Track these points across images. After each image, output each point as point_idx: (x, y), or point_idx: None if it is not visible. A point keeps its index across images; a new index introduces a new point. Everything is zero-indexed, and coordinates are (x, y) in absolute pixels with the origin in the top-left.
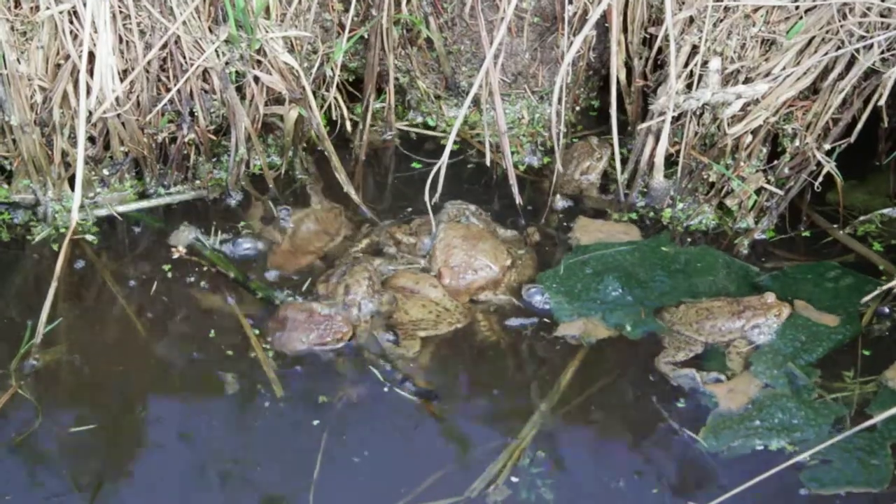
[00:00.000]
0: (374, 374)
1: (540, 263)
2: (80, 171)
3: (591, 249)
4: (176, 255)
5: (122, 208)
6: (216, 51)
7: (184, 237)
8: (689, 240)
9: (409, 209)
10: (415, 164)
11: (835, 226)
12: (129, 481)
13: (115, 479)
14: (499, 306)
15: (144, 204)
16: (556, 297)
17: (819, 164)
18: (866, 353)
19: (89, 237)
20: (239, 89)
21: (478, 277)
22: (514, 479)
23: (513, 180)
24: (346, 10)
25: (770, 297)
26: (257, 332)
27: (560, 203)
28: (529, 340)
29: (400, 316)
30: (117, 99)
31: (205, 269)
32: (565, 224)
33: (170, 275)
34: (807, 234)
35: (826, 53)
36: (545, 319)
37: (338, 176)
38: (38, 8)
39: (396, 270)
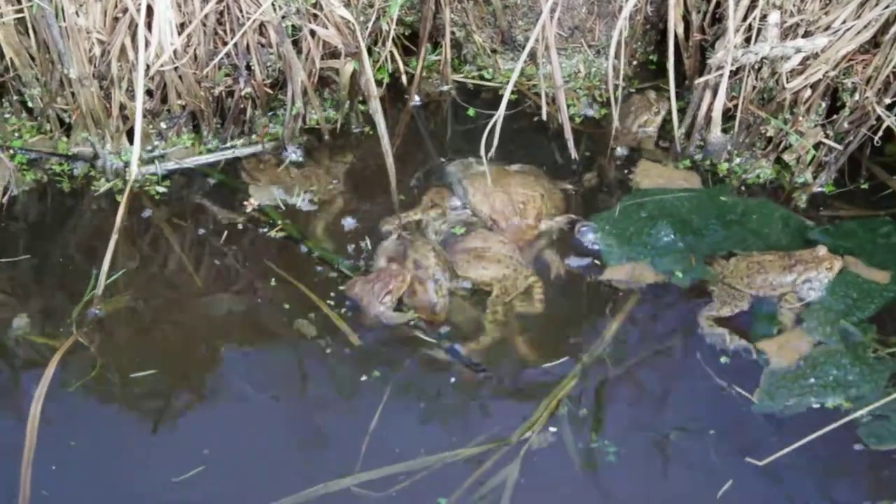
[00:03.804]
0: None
1: (595, 209)
2: (138, 124)
3: (650, 194)
4: (249, 209)
5: (192, 161)
6: (273, 4)
7: (265, 193)
8: (746, 192)
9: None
10: (469, 112)
11: (894, 177)
12: (186, 426)
13: (173, 423)
14: (561, 229)
15: (216, 157)
16: (608, 239)
17: (879, 118)
18: None
19: (160, 189)
20: (295, 43)
21: (528, 210)
22: (552, 429)
23: (568, 135)
24: None
25: (822, 251)
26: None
27: (618, 151)
28: (581, 283)
29: (480, 274)
30: (175, 52)
31: (271, 224)
32: (623, 172)
33: (240, 226)
34: (865, 186)
35: (887, 6)
36: (596, 261)
37: (381, 141)
38: None
39: (455, 233)
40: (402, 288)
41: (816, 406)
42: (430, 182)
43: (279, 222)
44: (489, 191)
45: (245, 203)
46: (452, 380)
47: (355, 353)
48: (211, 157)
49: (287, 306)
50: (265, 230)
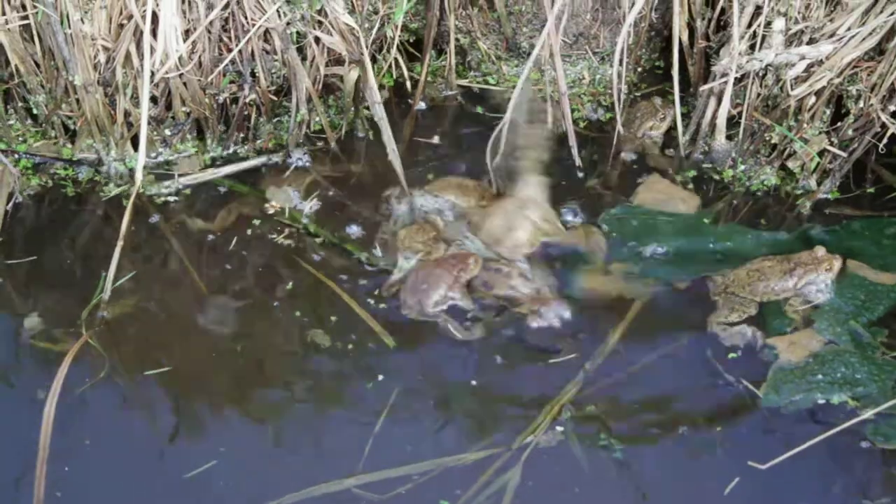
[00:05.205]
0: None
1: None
2: (143, 131)
3: (638, 211)
4: (271, 211)
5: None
6: (278, 11)
7: (281, 195)
8: (750, 201)
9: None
10: (478, 109)
11: None
12: (197, 425)
13: (183, 422)
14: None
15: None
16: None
17: (883, 125)
18: None
19: (168, 194)
20: (300, 50)
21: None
22: (559, 429)
23: (572, 141)
24: None
25: (820, 251)
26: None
27: (622, 157)
28: None
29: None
30: (180, 59)
31: (282, 227)
32: (626, 178)
33: (249, 232)
34: (871, 190)
35: (892, 13)
36: None
37: (386, 144)
38: None
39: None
40: (476, 268)
41: (822, 402)
42: (381, 224)
43: (293, 224)
44: (454, 203)
45: (266, 204)
46: (474, 383)
47: (368, 353)
48: (225, 170)
49: (299, 312)
50: (273, 236)
